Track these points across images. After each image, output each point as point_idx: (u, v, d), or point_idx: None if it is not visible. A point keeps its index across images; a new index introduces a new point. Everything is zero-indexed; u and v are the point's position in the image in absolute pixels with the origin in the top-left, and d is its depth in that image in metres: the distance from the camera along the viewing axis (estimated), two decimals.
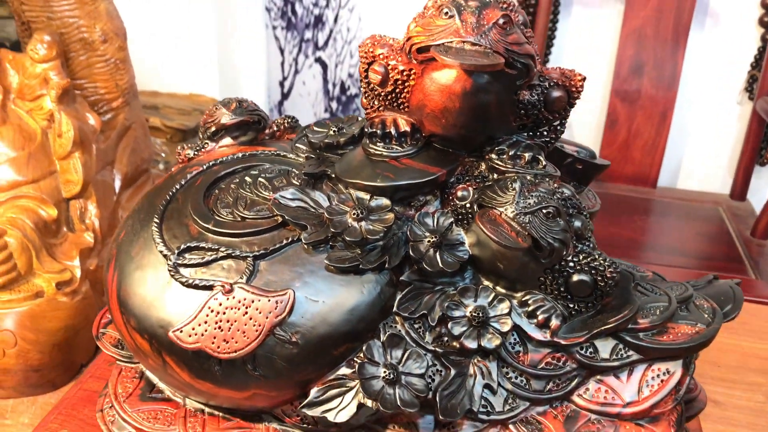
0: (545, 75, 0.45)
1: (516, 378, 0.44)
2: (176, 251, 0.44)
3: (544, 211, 0.42)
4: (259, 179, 0.48)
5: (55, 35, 0.90)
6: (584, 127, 1.85)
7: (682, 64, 1.53)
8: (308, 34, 1.76)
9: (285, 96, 1.85)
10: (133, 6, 1.43)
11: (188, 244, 0.44)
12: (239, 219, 0.46)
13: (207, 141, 0.55)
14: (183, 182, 0.49)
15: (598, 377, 0.44)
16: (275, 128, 0.56)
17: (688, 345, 0.42)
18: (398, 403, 0.41)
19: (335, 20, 1.74)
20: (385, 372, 0.42)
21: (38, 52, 0.89)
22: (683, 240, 1.56)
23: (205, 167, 0.50)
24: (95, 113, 0.95)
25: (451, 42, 0.41)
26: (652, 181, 1.77)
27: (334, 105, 1.84)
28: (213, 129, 0.54)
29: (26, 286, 0.82)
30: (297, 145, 0.52)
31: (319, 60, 1.78)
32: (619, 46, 1.56)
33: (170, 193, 0.49)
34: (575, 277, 0.42)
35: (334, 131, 0.50)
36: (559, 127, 0.46)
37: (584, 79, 0.45)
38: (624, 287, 0.44)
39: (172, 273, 0.44)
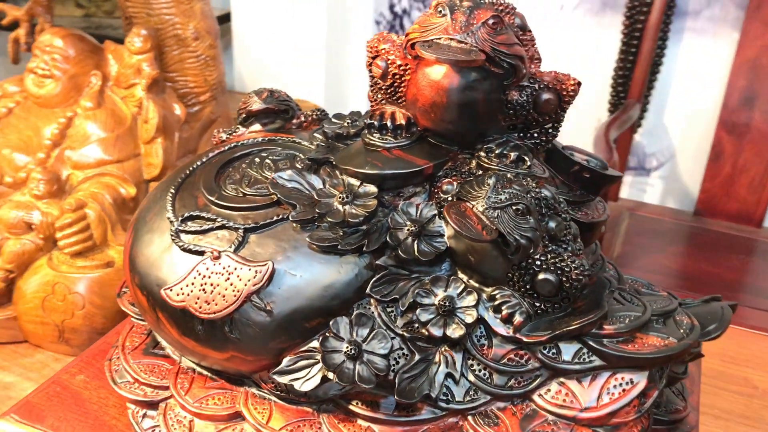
0: (537, 77, 0.46)
1: (479, 371, 0.45)
2: (180, 219, 0.48)
3: (514, 207, 0.43)
4: (266, 161, 0.51)
5: (152, 30, 0.99)
6: (685, 157, 1.79)
7: None
8: None
9: None
10: (246, 11, 1.53)
11: (191, 213, 0.48)
12: (241, 195, 0.49)
13: (239, 126, 0.59)
14: (204, 159, 0.54)
15: (561, 379, 0.44)
16: (303, 119, 0.60)
17: (652, 356, 0.42)
18: (355, 378, 0.43)
19: None
20: (347, 347, 0.44)
21: (134, 44, 0.97)
22: None
23: (226, 148, 0.55)
24: (182, 104, 1.03)
25: (440, 39, 0.43)
26: (757, 221, 1.68)
27: None
28: (244, 115, 0.59)
29: (99, 256, 0.90)
30: (315, 134, 0.55)
31: None
32: (730, 75, 1.50)
33: (191, 168, 0.53)
34: (541, 276, 0.43)
35: (347, 123, 0.53)
36: (550, 130, 0.47)
37: (578, 84, 0.46)
38: (597, 293, 0.44)
39: (173, 237, 0.48)
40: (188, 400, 0.48)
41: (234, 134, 0.59)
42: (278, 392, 0.47)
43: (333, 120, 0.54)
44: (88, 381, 0.55)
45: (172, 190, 0.51)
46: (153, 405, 0.50)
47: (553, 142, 0.54)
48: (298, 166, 0.50)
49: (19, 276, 0.89)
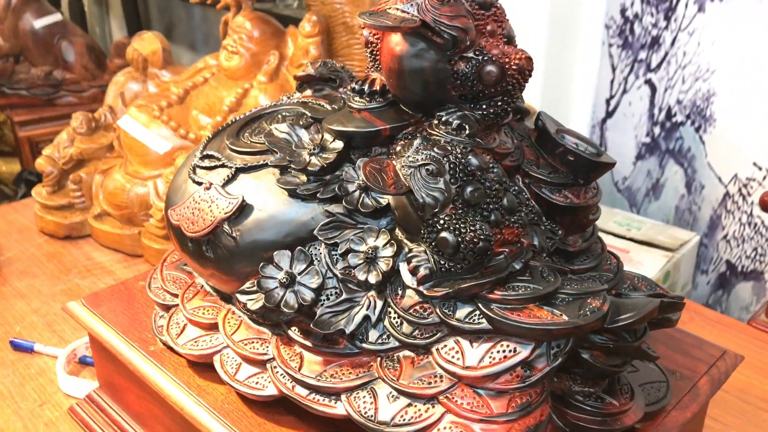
0: (486, 50, 0.47)
1: (393, 318, 0.48)
2: (198, 156, 0.58)
3: (426, 168, 0.45)
4: (279, 116, 0.59)
5: (321, 17, 1.11)
6: None
7: None
8: (642, 55, 1.75)
9: (609, 114, 1.86)
10: None
11: (207, 153, 0.58)
12: (248, 142, 0.58)
13: (297, 91, 0.67)
14: (248, 113, 0.63)
15: (458, 338, 0.46)
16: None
17: (530, 326, 0.42)
18: (281, 302, 0.49)
19: (672, 43, 1.70)
20: (283, 276, 0.50)
21: (305, 28, 1.10)
22: None
23: (267, 106, 0.63)
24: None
25: (389, 8, 0.47)
26: None
27: (656, 130, 1.79)
28: (298, 82, 0.67)
29: None
30: (347, 93, 0.61)
31: (648, 82, 1.75)
32: None
33: (234, 120, 0.63)
34: (441, 234, 0.45)
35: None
36: (500, 103, 0.48)
37: (527, 58, 0.47)
38: (508, 261, 0.45)
39: (190, 171, 0.58)
40: (187, 307, 0.58)
41: (292, 97, 0.67)
42: (246, 312, 0.55)
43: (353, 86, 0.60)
44: (145, 288, 0.67)
45: (210, 135, 0.61)
46: (168, 308, 0.60)
47: (545, 124, 0.54)
48: (300, 122, 0.57)
49: None
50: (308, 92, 0.66)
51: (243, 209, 0.53)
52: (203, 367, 0.57)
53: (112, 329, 0.62)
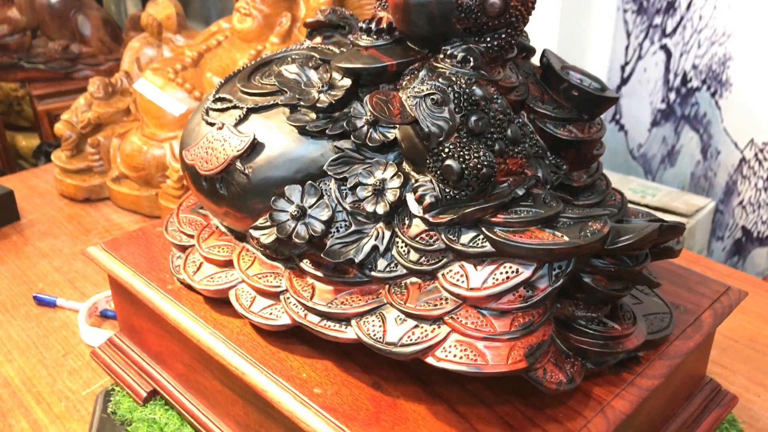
0: None
1: (401, 247, 0.50)
2: (211, 99, 0.60)
3: (432, 97, 0.47)
4: (289, 59, 0.60)
5: None
6: None
7: None
8: (657, 20, 1.74)
9: (624, 81, 1.86)
10: None
11: (219, 96, 0.59)
12: (259, 84, 0.59)
13: (306, 39, 0.69)
14: (260, 59, 0.64)
15: (463, 262, 0.47)
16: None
17: (532, 246, 0.44)
18: (293, 234, 0.51)
19: (688, 7, 1.69)
20: (294, 209, 0.51)
21: None
22: None
23: (278, 52, 0.65)
24: None
25: None
26: None
27: (672, 96, 1.79)
28: (308, 29, 0.68)
29: None
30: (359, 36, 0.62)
31: (663, 47, 1.75)
32: None
33: (248, 64, 0.64)
34: (446, 162, 0.46)
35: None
36: (504, 36, 0.49)
37: None
38: (511, 188, 0.46)
39: (203, 114, 0.59)
40: (202, 246, 0.60)
41: (301, 46, 0.69)
42: (259, 248, 0.57)
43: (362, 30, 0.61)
44: (162, 233, 0.69)
45: (222, 81, 0.63)
46: (184, 249, 0.62)
47: (550, 61, 0.55)
48: (309, 63, 0.59)
49: None
50: (318, 39, 0.67)
51: (254, 147, 0.54)
52: (219, 302, 0.59)
53: (130, 270, 0.64)
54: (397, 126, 0.50)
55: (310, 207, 0.51)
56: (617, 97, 0.54)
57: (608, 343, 0.49)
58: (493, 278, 0.45)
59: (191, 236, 0.62)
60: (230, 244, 0.60)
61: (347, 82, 0.53)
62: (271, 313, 0.54)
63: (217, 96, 0.60)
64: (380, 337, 0.47)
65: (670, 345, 0.54)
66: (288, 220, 0.51)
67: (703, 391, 0.65)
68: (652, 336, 0.52)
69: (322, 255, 0.50)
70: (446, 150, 0.46)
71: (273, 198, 0.52)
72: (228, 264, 0.58)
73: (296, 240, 0.51)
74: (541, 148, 0.52)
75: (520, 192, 0.47)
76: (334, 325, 0.50)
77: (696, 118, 2.12)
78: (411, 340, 0.46)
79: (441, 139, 0.47)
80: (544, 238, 0.44)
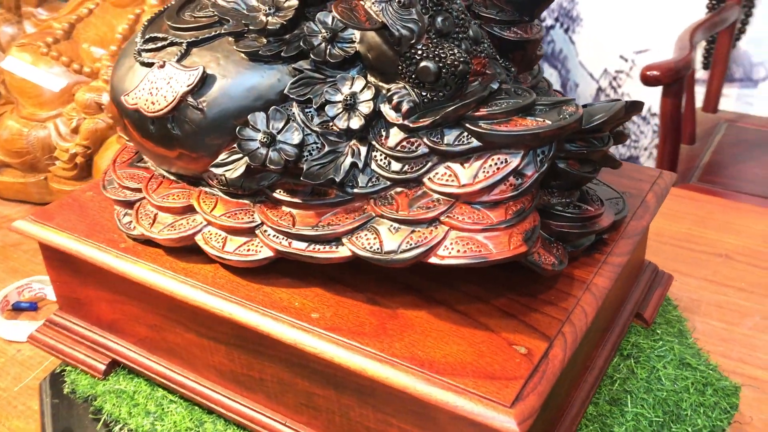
0: None
1: (381, 159, 0.49)
2: (141, 41, 0.56)
3: (398, 0, 0.46)
4: None
5: None
6: None
7: None
8: None
9: None
10: None
11: (149, 35, 0.56)
12: (192, 19, 0.56)
13: None
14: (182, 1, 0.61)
15: (448, 163, 0.48)
16: None
17: (520, 133, 0.45)
18: (266, 161, 0.49)
19: None
20: (262, 136, 0.50)
21: None
22: None
23: None
24: None
25: None
26: None
27: None
28: None
29: None
30: None
31: None
32: None
33: (165, 7, 0.61)
34: (421, 63, 0.46)
35: None
36: None
37: None
38: (484, 85, 0.47)
39: (135, 56, 0.56)
40: (153, 197, 0.57)
41: None
42: (221, 187, 0.55)
43: None
44: (94, 196, 0.65)
45: (145, 24, 0.59)
46: (130, 204, 0.59)
47: None
48: None
49: (95, 152, 1.03)
50: None
51: (205, 80, 0.52)
52: (181, 251, 0.56)
53: (74, 237, 0.59)
54: (361, 39, 0.50)
55: (278, 132, 0.50)
56: None
57: (585, 224, 0.52)
58: (484, 172, 0.46)
59: (137, 190, 0.59)
60: (184, 190, 0.57)
61: (294, 2, 0.52)
62: (248, 250, 0.52)
63: (147, 36, 0.56)
64: (378, 249, 0.47)
65: (628, 225, 0.57)
66: (258, 148, 0.50)
67: (646, 272, 0.69)
68: (616, 217, 0.55)
69: (302, 178, 0.49)
70: (419, 52, 0.46)
71: (238, 128, 0.50)
72: (187, 210, 0.56)
73: (271, 167, 0.49)
74: (493, 50, 0.53)
75: (495, 86, 0.48)
76: (324, 247, 0.50)
77: (554, 55, 2.23)
78: (410, 245, 0.47)
79: (413, 41, 0.47)
80: (529, 124, 0.45)
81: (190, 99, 0.52)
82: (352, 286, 0.52)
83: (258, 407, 0.56)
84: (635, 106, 0.49)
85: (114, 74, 0.58)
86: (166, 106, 0.52)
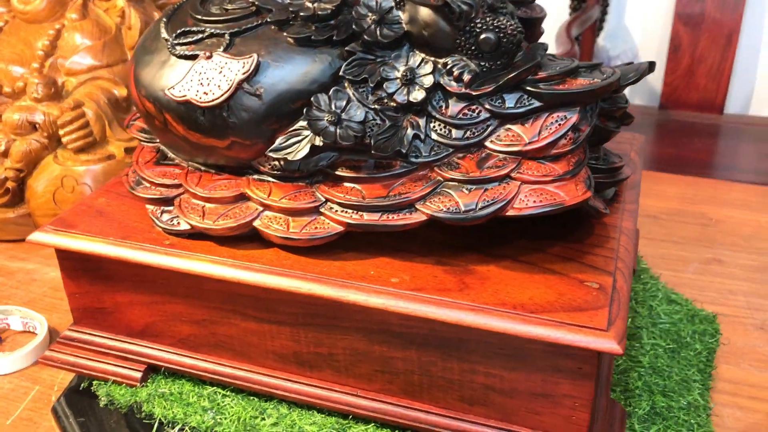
0: None
1: (440, 129, 0.53)
2: (174, 35, 0.56)
3: None
4: None
5: None
6: (648, 55, 1.86)
7: None
8: None
9: None
10: None
11: (182, 30, 0.56)
12: (224, 11, 0.57)
13: None
14: None
15: (508, 126, 0.52)
16: None
17: (579, 91, 0.50)
18: (337, 138, 0.51)
19: None
20: (329, 116, 0.52)
21: None
22: (750, 160, 1.58)
23: None
24: (161, 13, 1.10)
25: None
26: (718, 108, 1.77)
27: None
28: None
29: (101, 150, 0.97)
30: None
31: None
32: None
33: (178, 5, 0.61)
34: (482, 35, 0.51)
35: None
36: None
37: None
38: (533, 51, 0.53)
39: (170, 50, 0.56)
40: (199, 189, 0.57)
41: None
42: (275, 172, 0.56)
43: None
44: (109, 201, 0.63)
45: (164, 20, 0.59)
46: (168, 201, 0.58)
47: None
48: None
49: (29, 175, 0.97)
50: None
51: (258, 67, 0.53)
52: (233, 241, 0.56)
53: (109, 241, 0.58)
54: (411, 19, 0.53)
55: (342, 111, 0.52)
56: None
57: (614, 174, 0.58)
58: (547, 129, 0.51)
59: (174, 186, 0.58)
60: (230, 179, 0.57)
61: None
62: (315, 228, 0.54)
63: (177, 31, 0.56)
64: (456, 209, 0.51)
65: (628, 179, 0.65)
66: (327, 127, 0.52)
67: None
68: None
69: (373, 152, 0.52)
70: (479, 25, 0.51)
71: (305, 109, 0.52)
72: (238, 198, 0.56)
73: (343, 143, 0.52)
74: None
75: (543, 53, 0.53)
76: (398, 215, 0.52)
77: None
78: (487, 201, 0.51)
79: (472, 15, 0.51)
80: (583, 83, 0.51)
81: (246, 86, 0.53)
82: (416, 252, 0.55)
83: (324, 384, 0.58)
84: (652, 66, 0.56)
85: (140, 71, 0.57)
86: (222, 95, 0.53)
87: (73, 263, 0.61)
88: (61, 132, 0.95)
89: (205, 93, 0.53)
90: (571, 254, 0.55)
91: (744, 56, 1.72)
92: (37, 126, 0.96)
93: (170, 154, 0.61)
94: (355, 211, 0.53)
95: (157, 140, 0.62)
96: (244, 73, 0.53)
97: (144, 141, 0.63)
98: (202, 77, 0.54)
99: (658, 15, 1.77)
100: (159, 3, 1.12)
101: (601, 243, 0.56)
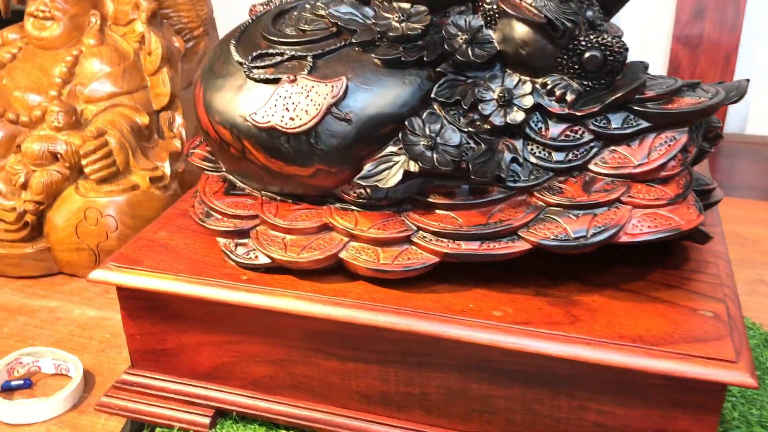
0: None
1: (539, 152, 0.51)
2: (250, 58, 0.53)
3: None
4: (317, 4, 0.56)
5: None
6: None
7: (744, 6, 1.54)
8: None
9: None
10: None
11: (259, 52, 0.53)
12: (300, 32, 0.54)
13: None
14: (254, 18, 0.58)
15: (612, 147, 0.50)
16: None
17: (690, 110, 0.48)
18: (435, 163, 0.49)
19: None
20: (424, 141, 0.49)
21: None
22: (750, 177, 1.58)
23: (272, 7, 0.59)
24: (180, 38, 1.06)
25: None
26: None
27: None
28: None
29: (124, 181, 0.93)
30: None
31: None
32: None
33: (243, 26, 0.58)
34: (587, 54, 0.49)
35: None
36: None
37: None
38: (634, 70, 0.50)
39: (247, 73, 0.53)
40: (279, 220, 0.53)
41: (269, 4, 0.63)
42: (361, 200, 0.53)
43: None
44: (170, 235, 0.59)
45: (233, 42, 0.56)
46: (243, 234, 0.55)
47: None
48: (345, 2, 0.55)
49: (49, 208, 0.92)
50: None
51: (347, 90, 0.50)
52: (316, 275, 0.53)
53: (180, 278, 0.54)
54: (505, 39, 0.51)
55: (436, 134, 0.50)
56: None
57: (707, 197, 0.56)
58: (656, 151, 0.49)
59: (249, 217, 0.55)
60: (310, 209, 0.54)
61: (423, 8, 0.52)
62: (408, 258, 0.51)
63: (254, 56, 0.53)
64: (564, 236, 0.48)
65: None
66: (424, 152, 0.49)
67: None
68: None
69: (472, 177, 0.49)
70: (583, 43, 0.49)
71: (401, 133, 0.49)
72: (321, 229, 0.53)
73: (442, 168, 0.49)
74: None
75: (644, 74, 0.51)
76: (500, 243, 0.50)
77: None
78: (598, 228, 0.48)
79: (575, 33, 0.49)
80: (692, 102, 0.49)
81: (335, 110, 0.50)
82: (513, 282, 0.52)
83: (414, 425, 0.54)
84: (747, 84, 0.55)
85: (211, 96, 0.54)
86: (310, 120, 0.50)
87: (136, 302, 0.56)
88: (83, 162, 0.91)
89: (291, 118, 0.50)
90: (672, 281, 0.53)
91: (741, 76, 1.74)
92: (59, 156, 0.91)
93: (239, 184, 0.57)
94: (452, 240, 0.50)
95: (223, 169, 0.58)
96: (333, 97, 0.50)
97: (208, 170, 0.59)
98: (287, 102, 0.50)
99: (656, 37, 1.78)
100: (176, 27, 1.09)
101: (701, 268, 0.54)
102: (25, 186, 0.92)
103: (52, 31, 0.99)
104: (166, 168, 0.95)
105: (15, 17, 1.07)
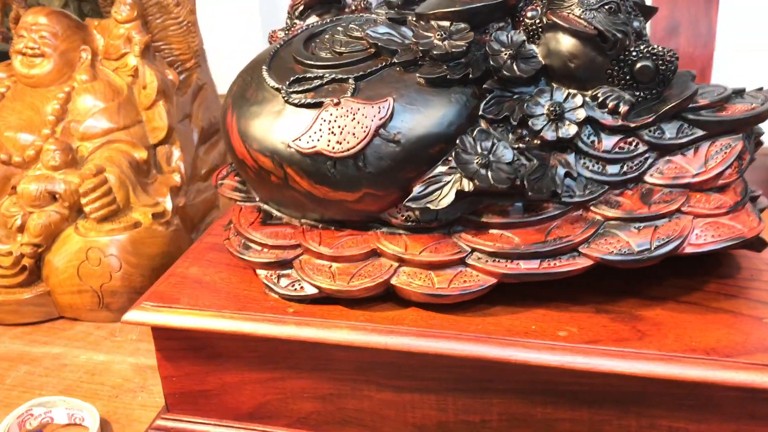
0: None
1: (593, 166, 0.49)
2: (287, 83, 0.51)
3: (606, 6, 0.48)
4: (350, 26, 0.55)
5: None
6: None
7: (716, 20, 1.57)
8: None
9: None
10: None
11: (297, 77, 0.51)
12: (337, 55, 0.53)
13: (296, 21, 0.62)
14: (282, 43, 0.57)
15: (667, 158, 0.49)
16: (353, 7, 0.63)
17: (745, 117, 0.48)
18: (491, 181, 0.47)
19: None
20: (478, 159, 0.48)
21: (121, 13, 0.98)
22: None
23: (298, 31, 0.58)
24: (173, 70, 1.04)
25: None
26: None
27: None
28: (300, 8, 0.62)
29: (125, 218, 0.90)
30: (377, 10, 0.59)
31: None
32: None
33: (273, 51, 0.56)
34: (639, 64, 0.48)
35: None
36: None
37: None
38: (683, 79, 0.50)
39: (285, 98, 0.51)
40: (324, 249, 0.51)
41: (292, 30, 0.62)
42: (409, 224, 0.51)
43: None
44: (203, 270, 0.57)
45: (264, 68, 0.54)
46: (285, 265, 0.52)
47: None
48: (379, 22, 0.54)
49: (47, 250, 0.88)
50: (313, 18, 0.62)
51: (394, 110, 0.49)
52: (365, 303, 0.51)
53: (222, 314, 0.51)
54: (550, 53, 0.50)
55: (489, 152, 0.48)
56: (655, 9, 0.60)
57: (754, 204, 0.56)
58: (713, 159, 0.48)
59: (290, 247, 0.53)
60: (354, 236, 0.52)
61: (463, 25, 0.51)
62: (464, 281, 0.49)
63: (291, 80, 0.51)
64: (627, 250, 0.47)
65: None
66: (479, 170, 0.48)
67: None
68: None
69: (529, 194, 0.48)
70: (634, 53, 0.48)
71: (454, 153, 0.48)
72: (369, 255, 0.51)
73: (499, 186, 0.47)
74: None
75: (694, 83, 0.50)
76: (560, 261, 0.48)
77: None
78: (661, 240, 0.47)
79: (627, 44, 0.48)
80: (745, 109, 0.48)
81: (383, 132, 0.48)
82: (571, 300, 0.51)
83: None
84: None
85: (246, 123, 0.52)
86: (358, 143, 0.48)
87: (173, 342, 0.54)
88: (83, 200, 0.87)
89: (338, 142, 0.48)
90: (730, 290, 0.52)
91: None
92: (57, 196, 0.88)
93: (276, 213, 0.55)
94: (510, 260, 0.49)
95: (257, 198, 0.56)
96: (380, 119, 0.48)
97: (241, 201, 0.57)
98: (333, 126, 0.49)
99: None
100: (168, 60, 1.06)
101: (756, 276, 0.53)
102: (21, 228, 0.88)
103: (43, 68, 0.96)
104: (168, 203, 0.92)
105: None
